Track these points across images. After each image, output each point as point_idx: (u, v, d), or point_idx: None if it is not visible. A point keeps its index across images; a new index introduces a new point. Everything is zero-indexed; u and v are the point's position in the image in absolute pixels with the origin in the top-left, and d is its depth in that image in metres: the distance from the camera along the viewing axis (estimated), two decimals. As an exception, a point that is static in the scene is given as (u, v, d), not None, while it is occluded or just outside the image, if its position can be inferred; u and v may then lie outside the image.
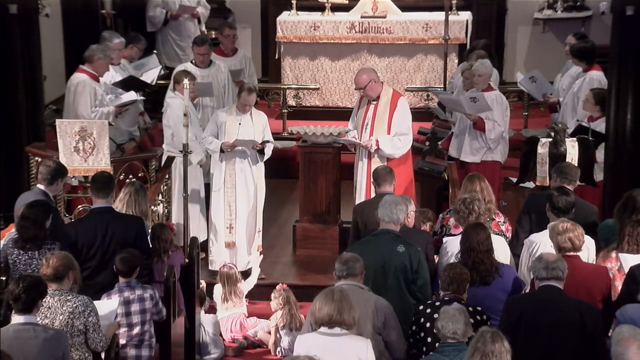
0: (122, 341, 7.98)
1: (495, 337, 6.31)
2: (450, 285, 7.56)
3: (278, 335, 9.69)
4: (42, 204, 8.41)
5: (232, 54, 13.31)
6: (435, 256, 8.81)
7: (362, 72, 10.92)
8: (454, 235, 8.84)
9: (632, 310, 7.31)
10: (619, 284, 7.98)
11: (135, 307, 8.04)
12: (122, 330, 8.01)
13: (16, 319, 6.88)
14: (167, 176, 11.00)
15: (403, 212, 8.30)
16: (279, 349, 9.70)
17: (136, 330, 8.05)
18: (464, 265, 7.82)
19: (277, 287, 9.95)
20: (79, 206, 10.52)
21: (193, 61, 12.51)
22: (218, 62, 12.67)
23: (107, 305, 7.79)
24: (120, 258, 8.11)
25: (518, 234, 9.01)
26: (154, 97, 13.37)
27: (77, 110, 11.70)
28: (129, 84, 12.26)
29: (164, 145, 11.37)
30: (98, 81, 11.90)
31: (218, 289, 10.18)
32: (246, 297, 10.31)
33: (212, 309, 10.12)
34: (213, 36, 14.60)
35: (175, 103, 11.18)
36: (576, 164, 10.18)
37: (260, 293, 10.50)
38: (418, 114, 11.94)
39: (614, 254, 8.28)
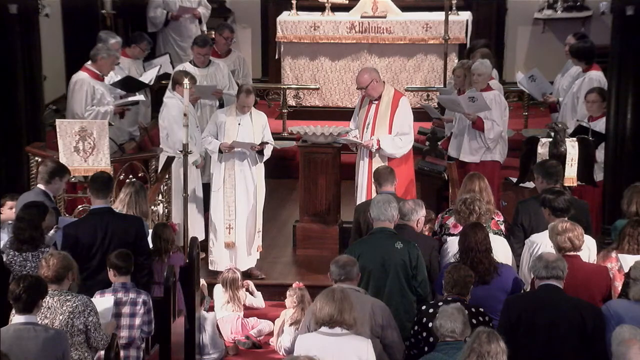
0: None
1: (491, 338, 6.32)
2: (454, 287, 7.56)
3: (282, 330, 9.70)
4: (38, 204, 8.40)
5: (225, 55, 13.28)
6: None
7: (364, 71, 10.92)
8: (454, 235, 8.83)
9: (616, 305, 7.35)
10: (619, 284, 7.98)
11: (125, 310, 7.95)
12: None
13: (16, 318, 6.89)
14: (167, 176, 10.99)
15: (396, 209, 8.30)
16: (279, 343, 9.70)
17: (123, 333, 7.94)
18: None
19: (294, 285, 9.98)
20: (79, 206, 10.52)
21: (192, 61, 12.48)
22: (217, 62, 12.65)
23: (103, 303, 7.74)
24: (117, 254, 7.99)
25: (512, 245, 8.93)
26: (154, 98, 13.36)
27: (72, 107, 11.72)
28: (127, 84, 12.24)
29: (161, 145, 11.37)
30: (102, 80, 11.89)
31: (218, 289, 10.18)
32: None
33: (212, 309, 10.12)
34: (212, 36, 14.58)
35: (171, 103, 11.17)
36: (576, 164, 10.19)
37: (260, 293, 10.50)
38: (418, 114, 11.93)
39: (614, 254, 8.28)
